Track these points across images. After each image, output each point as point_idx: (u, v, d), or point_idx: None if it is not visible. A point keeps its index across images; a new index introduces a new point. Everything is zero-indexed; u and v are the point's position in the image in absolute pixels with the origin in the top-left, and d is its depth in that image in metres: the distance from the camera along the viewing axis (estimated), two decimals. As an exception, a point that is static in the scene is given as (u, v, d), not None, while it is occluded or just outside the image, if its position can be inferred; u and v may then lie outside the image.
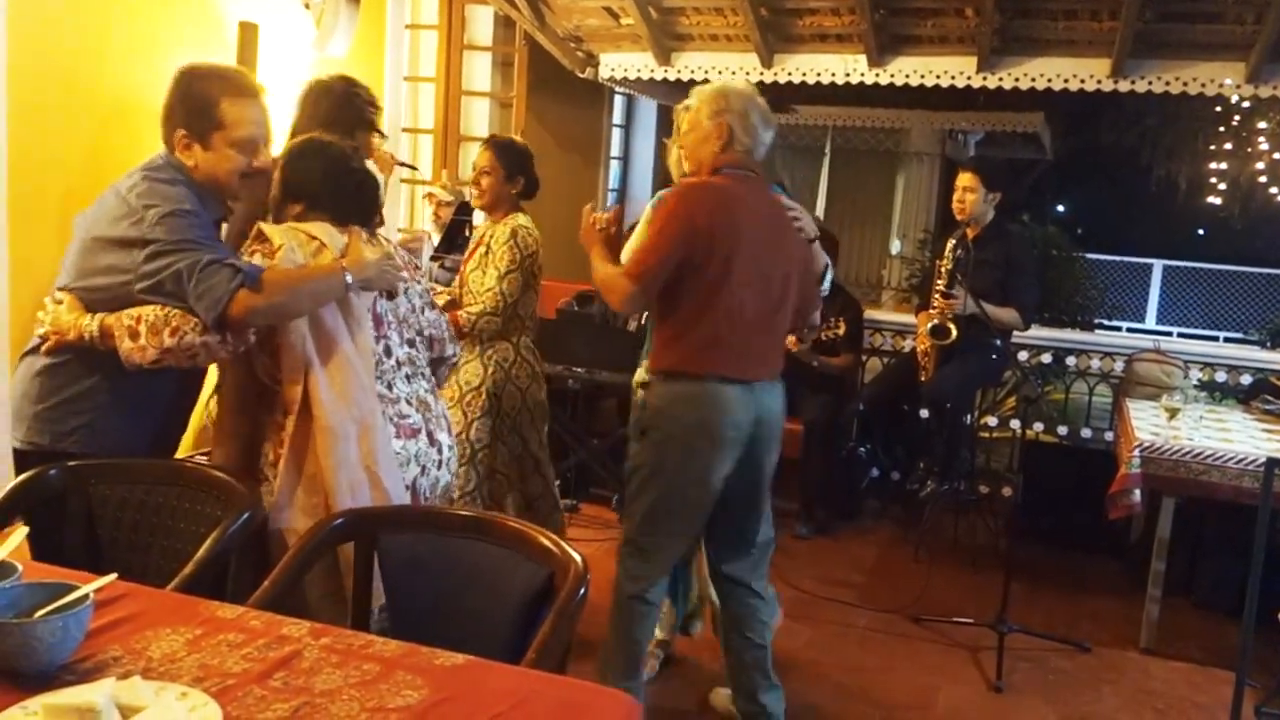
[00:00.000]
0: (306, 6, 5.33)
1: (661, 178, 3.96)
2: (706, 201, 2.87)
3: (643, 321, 3.85)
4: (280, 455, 2.41)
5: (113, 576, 1.72)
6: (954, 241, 4.84)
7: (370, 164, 2.81)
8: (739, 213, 2.88)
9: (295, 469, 2.41)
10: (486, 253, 3.80)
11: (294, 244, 2.45)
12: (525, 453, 3.86)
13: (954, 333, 4.64)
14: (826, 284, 3.27)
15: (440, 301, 3.26)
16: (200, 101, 2.47)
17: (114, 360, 2.35)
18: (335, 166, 2.59)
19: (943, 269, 4.80)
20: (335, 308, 2.44)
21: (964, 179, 4.85)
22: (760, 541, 3.10)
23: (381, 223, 2.75)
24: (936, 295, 4.76)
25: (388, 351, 2.55)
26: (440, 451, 2.63)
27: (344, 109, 2.97)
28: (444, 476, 2.65)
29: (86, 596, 1.59)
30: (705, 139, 2.95)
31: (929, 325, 4.74)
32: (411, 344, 2.64)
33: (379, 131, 3.13)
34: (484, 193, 3.90)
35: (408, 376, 2.60)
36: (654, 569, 3.00)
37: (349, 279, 2.39)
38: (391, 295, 2.58)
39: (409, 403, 2.57)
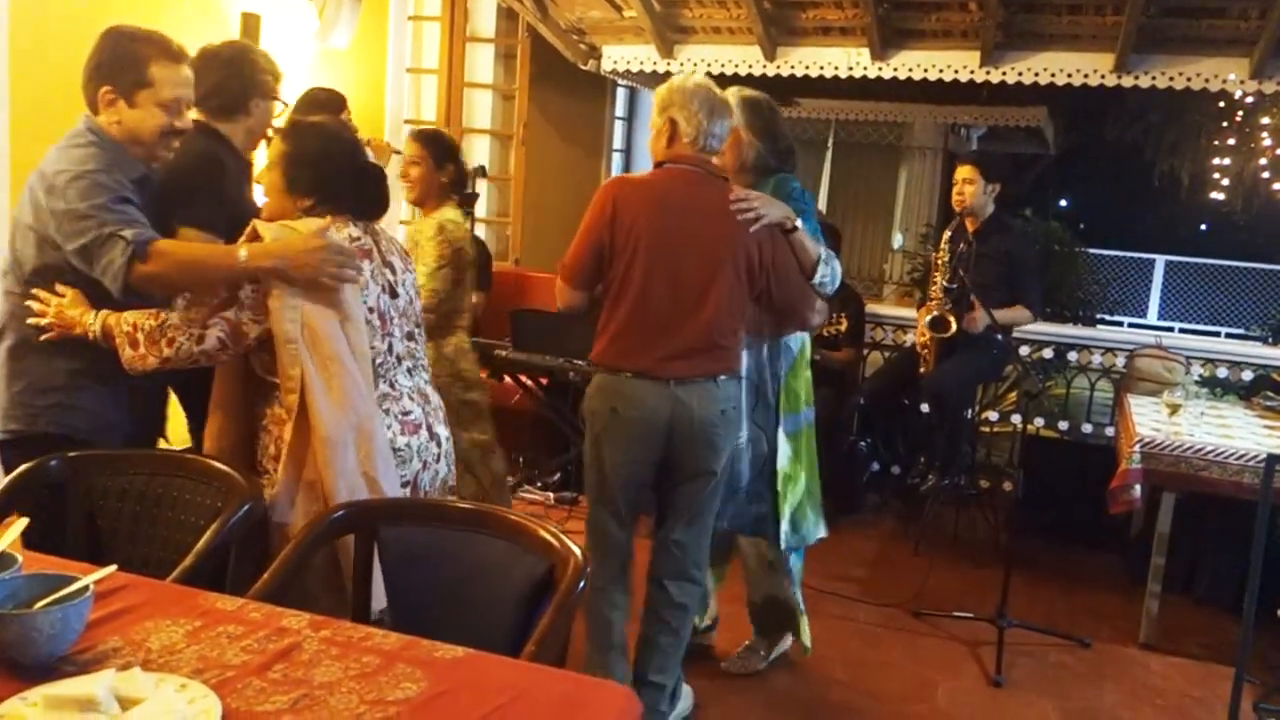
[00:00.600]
0: (309, -2, 5.31)
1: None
2: (623, 195, 2.94)
3: None
4: (281, 451, 2.40)
5: (112, 568, 1.72)
6: (950, 233, 4.84)
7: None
8: (657, 206, 2.92)
9: (294, 474, 2.40)
10: (415, 248, 3.74)
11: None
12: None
13: (953, 325, 4.64)
14: (826, 276, 3.14)
15: None
16: (130, 60, 2.50)
17: (76, 337, 2.40)
18: (346, 158, 2.55)
19: (939, 260, 4.80)
20: (328, 310, 2.39)
21: (963, 171, 4.85)
22: (680, 541, 3.04)
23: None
24: (934, 287, 4.76)
25: (390, 348, 2.53)
26: (439, 444, 2.63)
27: (235, 77, 2.92)
28: (443, 469, 2.64)
29: (86, 588, 1.59)
30: (656, 135, 3.02)
31: (928, 318, 4.74)
32: (410, 336, 2.62)
33: (279, 99, 3.06)
34: (414, 184, 3.84)
35: (409, 370, 2.60)
36: (594, 550, 3.05)
37: (243, 257, 2.33)
38: (393, 292, 2.55)
39: (411, 397, 2.57)
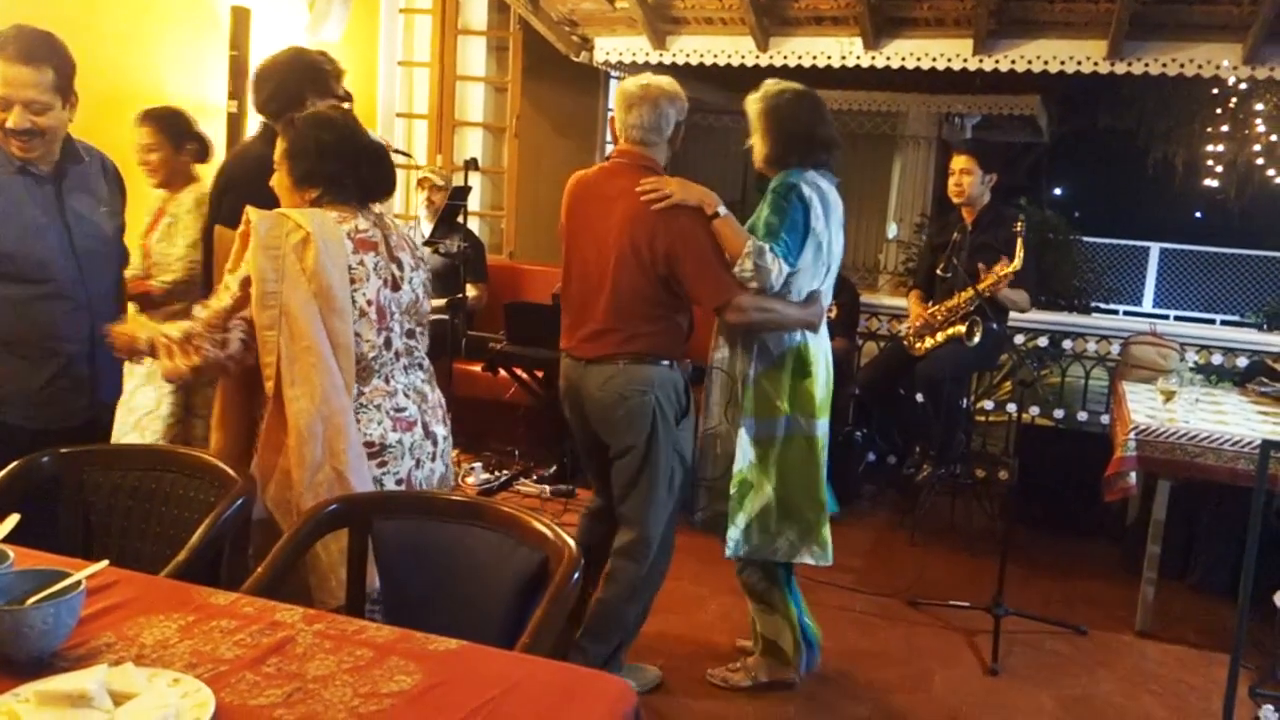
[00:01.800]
0: (299, -9, 5.30)
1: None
2: (571, 191, 3.21)
3: None
4: None
5: (104, 563, 1.72)
6: (945, 223, 4.83)
7: None
8: (578, 197, 3.17)
9: (270, 463, 2.41)
10: (173, 223, 3.71)
11: (279, 231, 2.40)
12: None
13: (977, 336, 4.58)
14: (748, 270, 2.98)
15: (127, 275, 3.11)
16: None
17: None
18: (344, 143, 2.52)
19: (950, 304, 4.76)
20: (309, 299, 2.38)
21: (960, 161, 4.84)
22: (622, 514, 3.18)
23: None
24: (942, 308, 4.75)
25: (388, 344, 2.51)
26: (435, 443, 2.62)
27: (288, 79, 3.01)
28: (439, 468, 2.63)
29: (79, 583, 1.58)
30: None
31: (963, 331, 4.65)
32: (411, 335, 2.60)
33: (338, 95, 3.11)
34: (156, 169, 3.78)
35: (405, 368, 2.58)
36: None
37: None
38: (396, 286, 2.53)
39: (406, 395, 2.56)
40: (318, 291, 2.39)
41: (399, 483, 2.51)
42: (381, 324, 2.48)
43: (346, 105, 3.32)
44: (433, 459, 2.60)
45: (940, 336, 4.75)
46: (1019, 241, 4.54)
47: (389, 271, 2.51)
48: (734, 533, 3.18)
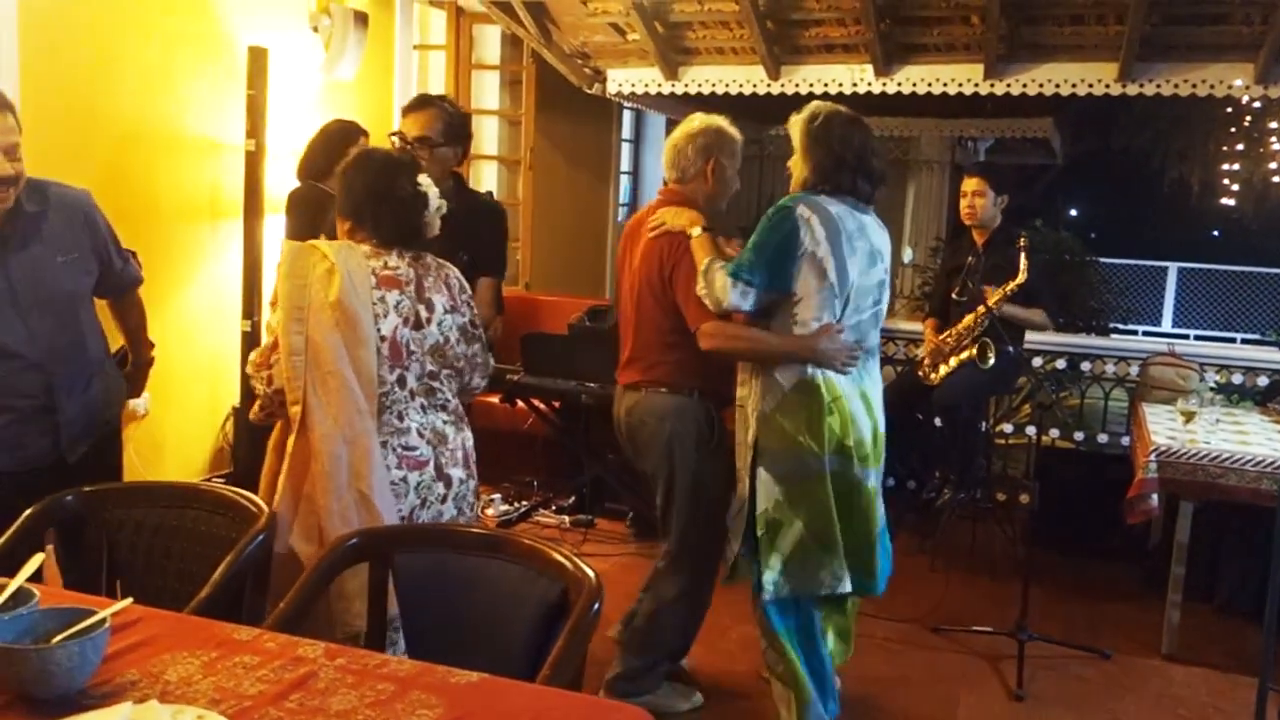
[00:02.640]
0: (315, 30, 5.37)
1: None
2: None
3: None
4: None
5: (128, 601, 1.73)
6: (955, 246, 4.83)
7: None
8: (626, 235, 3.36)
9: (294, 489, 2.44)
10: None
11: (306, 262, 2.50)
12: None
13: (991, 359, 4.56)
14: (703, 289, 2.94)
15: None
16: None
17: None
18: (379, 184, 2.58)
19: (962, 330, 4.73)
20: (332, 328, 2.44)
21: (972, 184, 4.84)
22: (669, 535, 3.30)
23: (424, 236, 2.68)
24: (951, 335, 4.74)
25: (401, 382, 2.53)
26: (448, 485, 2.59)
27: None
28: (448, 510, 2.59)
29: (103, 621, 1.60)
30: None
31: (975, 354, 4.62)
32: (434, 376, 2.59)
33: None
34: None
35: (424, 407, 2.58)
36: None
37: None
38: (419, 325, 2.54)
39: (420, 434, 2.56)
40: (339, 320, 2.45)
41: (402, 519, 2.51)
42: (396, 361, 2.51)
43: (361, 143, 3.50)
44: (442, 501, 2.58)
45: (954, 362, 4.74)
46: (1022, 255, 4.52)
47: (413, 310, 2.53)
48: (770, 575, 2.97)
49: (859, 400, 3.02)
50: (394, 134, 3.58)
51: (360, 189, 2.59)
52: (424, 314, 2.54)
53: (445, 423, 2.62)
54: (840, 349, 2.95)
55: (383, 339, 2.48)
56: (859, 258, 2.96)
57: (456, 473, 2.62)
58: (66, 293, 2.68)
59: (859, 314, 3.01)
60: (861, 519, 3.01)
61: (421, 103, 3.61)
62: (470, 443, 2.70)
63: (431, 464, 2.56)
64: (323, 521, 2.40)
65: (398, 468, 2.51)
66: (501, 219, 3.82)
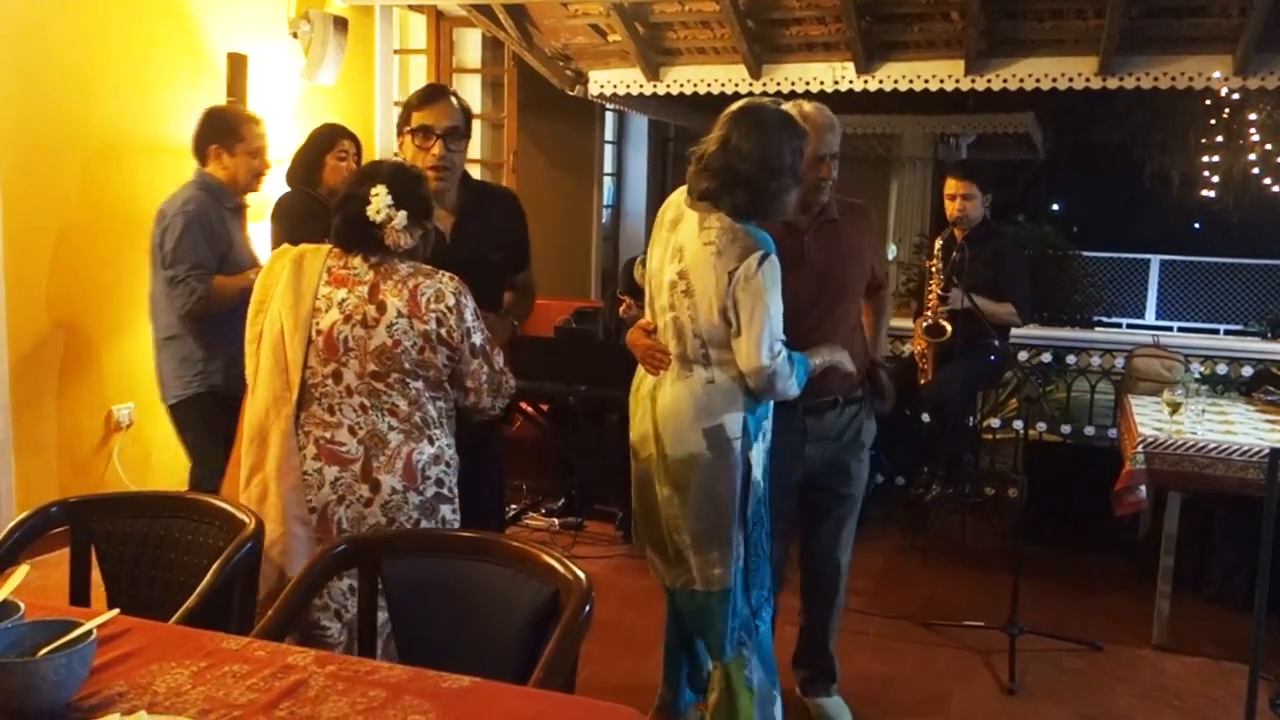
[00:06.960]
0: (294, 36, 5.35)
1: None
2: None
3: None
4: None
5: (115, 612, 1.72)
6: (942, 241, 4.85)
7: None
8: None
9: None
10: None
11: (281, 260, 2.65)
12: None
13: (948, 330, 4.64)
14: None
15: None
16: None
17: None
18: (345, 191, 2.70)
19: (934, 268, 4.81)
20: (278, 315, 2.57)
21: (961, 187, 4.81)
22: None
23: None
24: (931, 296, 4.77)
25: (336, 376, 2.54)
26: (375, 490, 2.52)
27: None
28: (374, 515, 2.53)
29: (90, 633, 1.58)
30: None
31: (925, 325, 4.75)
32: (379, 378, 2.52)
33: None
34: None
35: (363, 407, 2.54)
36: None
37: None
38: (367, 325, 2.50)
39: (352, 431, 2.54)
40: (284, 309, 2.57)
41: (313, 510, 2.53)
42: (330, 355, 2.54)
43: (344, 147, 3.52)
44: (365, 504, 2.52)
45: (927, 351, 4.80)
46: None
47: (361, 310, 2.51)
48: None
49: (646, 400, 2.84)
50: (411, 130, 3.11)
51: (338, 198, 2.73)
52: (373, 314, 2.52)
53: (391, 428, 2.54)
54: (636, 342, 2.86)
55: (319, 332, 2.54)
56: (658, 248, 2.81)
57: (390, 481, 2.53)
58: None
59: (662, 315, 2.77)
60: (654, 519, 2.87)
61: (438, 92, 3.31)
62: (423, 458, 2.56)
63: (359, 464, 2.53)
64: (239, 496, 2.56)
65: (314, 459, 2.54)
66: (519, 208, 3.61)
